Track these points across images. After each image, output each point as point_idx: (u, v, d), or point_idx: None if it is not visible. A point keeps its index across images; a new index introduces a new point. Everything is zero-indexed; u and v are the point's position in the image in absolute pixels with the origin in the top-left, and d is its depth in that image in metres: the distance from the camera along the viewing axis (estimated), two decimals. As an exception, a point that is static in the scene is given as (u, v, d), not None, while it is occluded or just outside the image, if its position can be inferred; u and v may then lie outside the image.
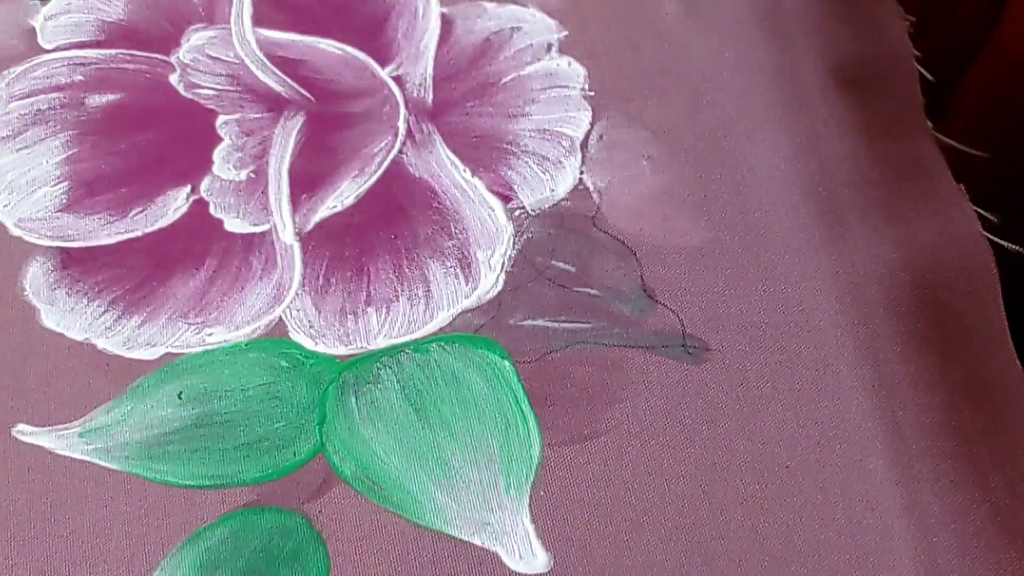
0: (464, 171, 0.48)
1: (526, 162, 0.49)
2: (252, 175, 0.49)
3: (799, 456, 0.42)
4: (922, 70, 0.51)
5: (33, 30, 0.53)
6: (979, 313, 0.45)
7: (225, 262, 0.47)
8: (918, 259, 0.46)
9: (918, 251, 0.46)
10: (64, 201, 0.48)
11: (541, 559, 0.40)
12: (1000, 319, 0.45)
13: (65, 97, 0.51)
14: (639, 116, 0.50)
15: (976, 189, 0.48)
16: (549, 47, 0.52)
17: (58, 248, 0.47)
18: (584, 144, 0.49)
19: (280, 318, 0.45)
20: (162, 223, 0.48)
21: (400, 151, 0.49)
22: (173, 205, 0.48)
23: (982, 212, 0.47)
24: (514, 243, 0.47)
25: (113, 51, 0.52)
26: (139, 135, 0.50)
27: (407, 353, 0.44)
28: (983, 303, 0.45)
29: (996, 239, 0.47)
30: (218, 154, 0.49)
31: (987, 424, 0.43)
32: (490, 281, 0.46)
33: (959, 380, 0.44)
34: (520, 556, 0.40)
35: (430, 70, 0.51)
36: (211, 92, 0.51)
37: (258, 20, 0.52)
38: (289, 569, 0.40)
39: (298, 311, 0.45)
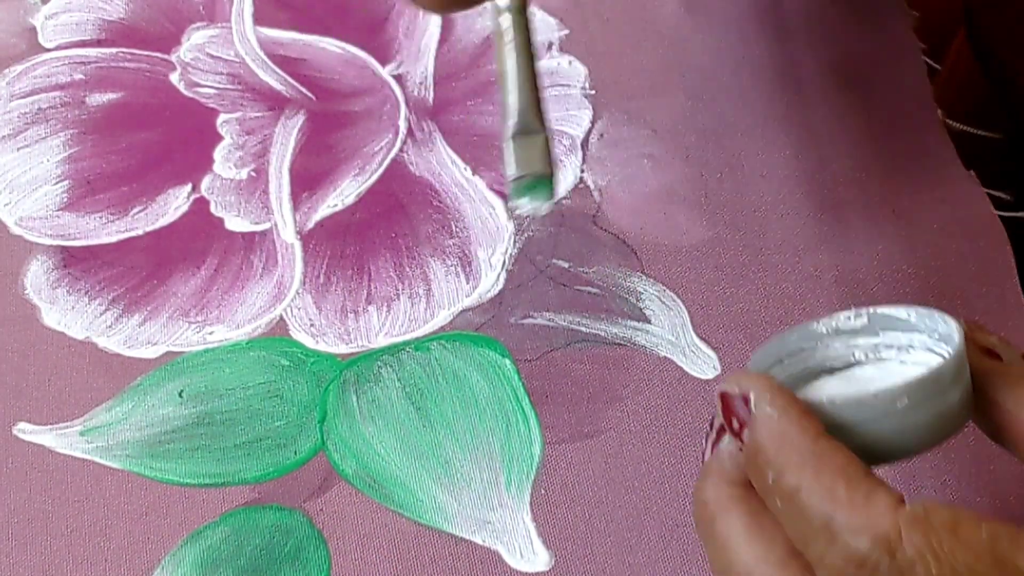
0: (465, 169, 0.48)
1: (527, 161, 0.49)
2: (253, 174, 0.49)
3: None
4: (929, 61, 0.51)
5: (34, 29, 0.53)
6: (993, 293, 0.45)
7: (226, 261, 0.47)
8: (923, 251, 0.46)
9: (924, 243, 0.46)
10: (65, 200, 0.48)
11: (542, 557, 0.40)
12: (1016, 295, 0.45)
13: (66, 96, 0.51)
14: (640, 115, 0.50)
15: (992, 168, 0.48)
16: (550, 46, 0.52)
17: (59, 247, 0.47)
18: (585, 142, 0.49)
19: (281, 316, 0.45)
20: (163, 222, 0.48)
21: (401, 150, 0.49)
22: (174, 204, 0.48)
23: (993, 192, 0.47)
24: (515, 241, 0.47)
25: (114, 50, 0.52)
26: (140, 134, 0.50)
27: (408, 351, 0.44)
28: (997, 282, 0.45)
29: (1010, 214, 0.47)
30: (219, 153, 0.49)
31: None
32: (491, 279, 0.46)
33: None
34: (521, 554, 0.40)
35: (431, 69, 0.51)
36: (212, 91, 0.51)
37: (259, 18, 0.52)
38: (290, 567, 0.40)
39: (299, 309, 0.45)
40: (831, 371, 0.33)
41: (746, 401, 0.29)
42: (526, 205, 0.36)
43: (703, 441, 0.32)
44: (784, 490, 0.27)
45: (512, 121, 0.35)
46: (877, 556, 0.26)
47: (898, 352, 0.32)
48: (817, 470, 0.27)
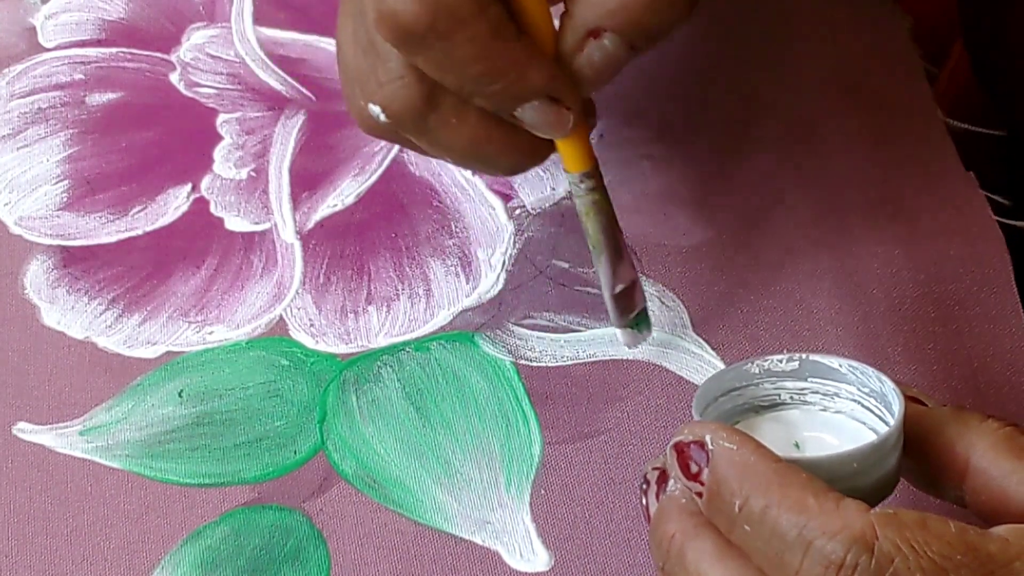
0: (465, 169, 0.48)
1: (527, 161, 0.49)
2: (253, 173, 0.49)
3: (799, 455, 0.42)
4: (928, 66, 0.51)
5: (34, 28, 0.53)
6: (991, 299, 0.45)
7: (226, 260, 0.47)
8: (922, 253, 0.46)
9: (922, 245, 0.46)
10: (64, 199, 0.48)
11: (542, 557, 0.40)
12: (1013, 301, 0.45)
13: (66, 95, 0.51)
14: (640, 115, 0.50)
15: (991, 172, 0.48)
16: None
17: (59, 246, 0.47)
18: (585, 143, 0.49)
19: (281, 316, 0.45)
20: (163, 221, 0.48)
21: (401, 150, 0.49)
22: (174, 203, 0.48)
23: (992, 196, 0.47)
24: (515, 242, 0.47)
25: (114, 50, 0.52)
26: (139, 134, 0.50)
27: (408, 351, 0.44)
28: (995, 288, 0.45)
29: (1008, 221, 0.47)
30: (219, 152, 0.49)
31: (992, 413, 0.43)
32: (491, 280, 0.46)
33: (964, 377, 0.43)
34: (521, 554, 0.40)
35: (431, 69, 0.51)
36: (212, 90, 0.51)
37: (259, 18, 0.53)
38: (290, 567, 0.40)
39: (299, 309, 0.45)
40: (757, 409, 0.34)
41: (701, 446, 0.30)
42: (636, 338, 0.43)
43: (641, 498, 0.33)
44: (752, 513, 0.28)
45: (610, 281, 0.41)
46: (856, 555, 0.27)
47: (822, 398, 0.34)
48: (784, 486, 0.28)
